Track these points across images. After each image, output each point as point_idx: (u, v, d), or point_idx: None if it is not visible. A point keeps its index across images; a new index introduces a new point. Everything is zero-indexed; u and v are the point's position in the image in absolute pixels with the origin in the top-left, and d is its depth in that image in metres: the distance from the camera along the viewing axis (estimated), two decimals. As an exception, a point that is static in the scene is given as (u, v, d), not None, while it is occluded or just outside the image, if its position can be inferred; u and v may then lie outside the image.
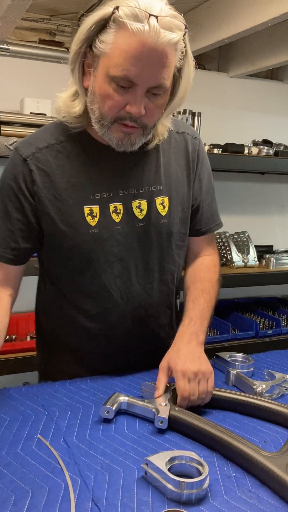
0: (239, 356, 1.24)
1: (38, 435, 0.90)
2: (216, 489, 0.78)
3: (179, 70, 0.99)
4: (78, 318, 1.17)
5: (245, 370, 1.18)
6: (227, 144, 2.47)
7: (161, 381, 1.02)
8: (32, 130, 2.17)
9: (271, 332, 2.60)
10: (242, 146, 2.48)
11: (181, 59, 0.98)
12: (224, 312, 2.74)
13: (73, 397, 1.06)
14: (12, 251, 1.10)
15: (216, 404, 1.04)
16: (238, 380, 1.14)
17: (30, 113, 2.19)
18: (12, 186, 1.08)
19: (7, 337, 2.31)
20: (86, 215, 1.08)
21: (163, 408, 0.96)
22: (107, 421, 0.96)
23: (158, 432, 0.94)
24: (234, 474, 0.82)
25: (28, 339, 2.34)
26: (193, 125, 2.36)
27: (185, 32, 0.95)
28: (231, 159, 2.38)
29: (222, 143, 2.52)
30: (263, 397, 1.03)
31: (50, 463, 0.82)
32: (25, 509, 0.71)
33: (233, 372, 1.15)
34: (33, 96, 2.23)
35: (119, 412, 0.99)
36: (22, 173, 1.07)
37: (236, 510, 0.73)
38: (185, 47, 0.97)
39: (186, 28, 0.95)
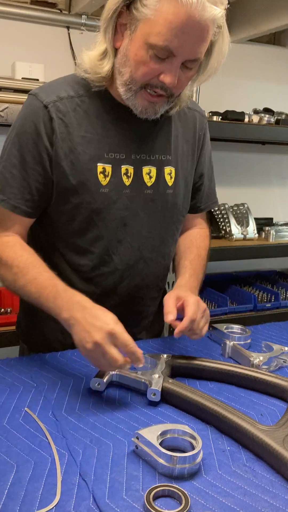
0: (236, 327, 1.20)
1: (25, 408, 0.87)
2: (209, 463, 0.74)
3: (211, 44, 0.97)
4: (74, 280, 1.14)
5: (242, 342, 1.14)
6: (226, 111, 2.39)
7: (172, 307, 1.01)
8: (24, 97, 2.11)
9: (269, 305, 2.57)
10: (243, 113, 2.40)
11: (215, 33, 0.96)
12: (222, 286, 2.70)
13: (64, 369, 1.03)
14: (27, 202, 1.06)
15: (211, 376, 1.00)
16: (234, 352, 1.10)
17: (22, 78, 2.10)
18: (31, 133, 1.03)
19: (2, 310, 2.28)
20: (98, 173, 1.06)
21: (156, 380, 0.92)
22: (98, 393, 0.93)
23: (150, 405, 0.90)
24: (228, 448, 0.78)
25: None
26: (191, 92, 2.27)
27: (227, 7, 0.93)
28: (231, 127, 2.30)
29: (222, 111, 2.43)
30: (260, 369, 1.00)
31: (37, 437, 0.79)
32: (9, 484, 0.68)
33: (230, 343, 1.11)
34: (25, 60, 2.14)
35: (111, 385, 0.96)
36: (43, 120, 1.03)
37: (231, 484, 0.70)
38: (222, 22, 0.95)
39: (228, 3, 0.93)
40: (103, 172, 1.06)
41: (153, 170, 1.12)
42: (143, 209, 1.12)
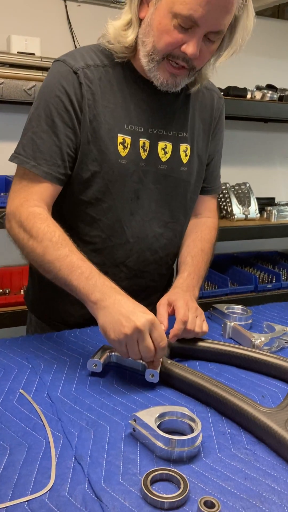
0: (237, 308, 1.17)
1: (20, 390, 0.85)
2: (209, 446, 0.72)
3: (235, 19, 0.97)
4: (84, 251, 1.08)
5: (243, 322, 1.12)
6: (228, 87, 2.32)
7: (163, 315, 1.00)
8: (21, 72, 2.05)
9: (270, 286, 2.54)
10: (245, 89, 2.33)
11: (240, 7, 0.96)
12: (223, 266, 2.67)
13: (60, 350, 1.00)
14: (58, 168, 1.03)
15: (211, 357, 0.98)
16: (235, 332, 1.08)
17: (18, 52, 2.03)
18: (62, 98, 1.01)
19: (1, 290, 2.26)
20: (118, 143, 1.05)
21: (154, 361, 0.90)
22: (95, 375, 0.91)
23: (149, 387, 0.88)
24: (229, 431, 0.76)
25: (22, 293, 2.29)
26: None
27: None
28: (233, 103, 2.24)
29: (223, 87, 2.37)
30: (261, 350, 0.97)
31: (32, 419, 0.76)
32: (2, 467, 0.65)
33: (230, 324, 1.09)
34: (21, 34, 2.07)
35: (109, 366, 0.93)
36: (73, 85, 1.02)
37: (231, 468, 0.68)
38: None
39: None
40: (123, 143, 1.06)
41: (169, 146, 1.11)
42: (156, 184, 1.12)
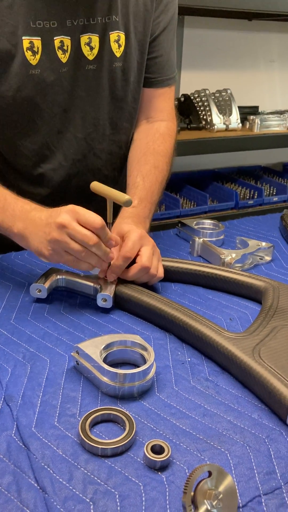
0: (207, 222, 1.05)
1: None
2: (165, 378, 0.62)
3: None
4: (22, 186, 0.99)
5: (214, 239, 0.99)
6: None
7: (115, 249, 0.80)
8: None
9: (252, 202, 2.41)
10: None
11: None
12: (202, 183, 2.51)
13: (4, 274, 0.88)
14: None
15: (174, 277, 0.86)
16: (204, 249, 0.96)
17: None
18: None
19: None
20: (25, 49, 0.83)
21: (107, 284, 0.78)
22: (40, 301, 0.79)
23: (102, 313, 0.77)
24: (189, 359, 0.66)
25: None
26: None
27: None
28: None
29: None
30: (232, 268, 0.86)
31: None
32: None
33: (199, 240, 0.96)
34: None
35: (58, 291, 0.82)
36: None
37: (188, 403, 0.58)
38: None
39: None
40: (31, 47, 0.84)
41: (94, 39, 0.89)
42: (86, 90, 0.92)
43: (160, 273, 0.81)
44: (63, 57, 0.87)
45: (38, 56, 0.84)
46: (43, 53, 0.85)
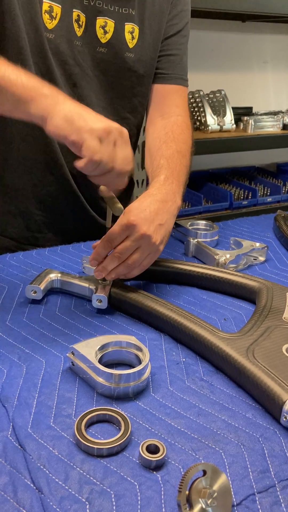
0: (202, 223, 1.05)
1: None
2: (159, 378, 0.63)
3: None
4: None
5: (208, 240, 1.00)
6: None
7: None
8: None
9: (246, 202, 2.42)
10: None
11: None
12: (197, 183, 2.52)
13: (-1, 276, 0.88)
14: None
15: (169, 278, 0.87)
16: (198, 250, 0.96)
17: None
18: None
19: None
20: (43, 11, 0.84)
21: (102, 285, 0.78)
22: (36, 302, 0.79)
23: (97, 313, 0.77)
24: (184, 360, 0.67)
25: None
26: None
27: None
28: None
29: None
30: (226, 268, 0.86)
31: None
32: None
33: (193, 241, 0.97)
34: None
35: (53, 292, 0.82)
36: None
37: (183, 403, 0.59)
38: None
39: None
40: (50, 12, 0.85)
41: (110, 24, 0.92)
42: (94, 71, 0.93)
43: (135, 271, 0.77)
44: (78, 31, 0.89)
45: (55, 22, 0.86)
46: (60, 21, 0.86)
